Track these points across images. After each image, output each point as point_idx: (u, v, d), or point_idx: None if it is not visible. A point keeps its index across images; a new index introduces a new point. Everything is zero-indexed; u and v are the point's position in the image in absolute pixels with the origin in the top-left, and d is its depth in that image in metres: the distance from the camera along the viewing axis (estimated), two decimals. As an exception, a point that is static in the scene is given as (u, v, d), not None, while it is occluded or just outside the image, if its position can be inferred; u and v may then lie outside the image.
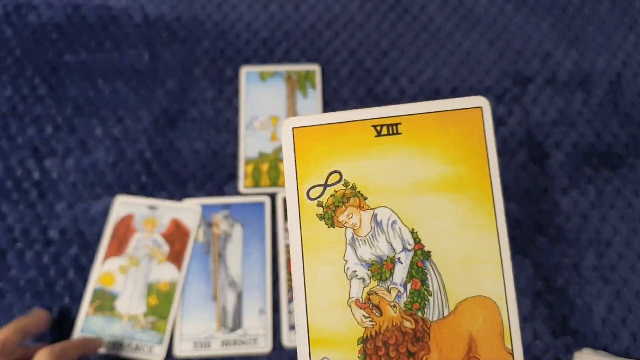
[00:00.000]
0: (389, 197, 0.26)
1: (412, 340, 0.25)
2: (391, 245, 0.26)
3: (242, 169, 0.51)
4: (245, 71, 0.54)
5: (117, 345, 0.45)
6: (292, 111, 0.53)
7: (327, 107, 0.53)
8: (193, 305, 0.47)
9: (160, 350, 0.45)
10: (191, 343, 0.45)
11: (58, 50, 0.55)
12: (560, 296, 0.47)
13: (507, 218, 0.26)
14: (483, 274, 0.25)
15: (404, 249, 0.26)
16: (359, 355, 0.25)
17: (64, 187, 0.50)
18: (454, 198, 0.26)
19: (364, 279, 0.26)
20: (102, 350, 0.45)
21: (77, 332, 0.45)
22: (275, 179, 0.50)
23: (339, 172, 0.27)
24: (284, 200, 0.47)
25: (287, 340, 0.45)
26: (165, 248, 0.48)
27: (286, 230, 0.48)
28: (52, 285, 0.48)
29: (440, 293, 0.26)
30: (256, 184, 0.50)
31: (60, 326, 0.46)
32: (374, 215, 0.26)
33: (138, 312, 0.46)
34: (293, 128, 0.27)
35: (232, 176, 0.51)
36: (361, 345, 0.25)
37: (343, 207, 0.26)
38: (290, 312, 0.46)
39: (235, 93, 0.54)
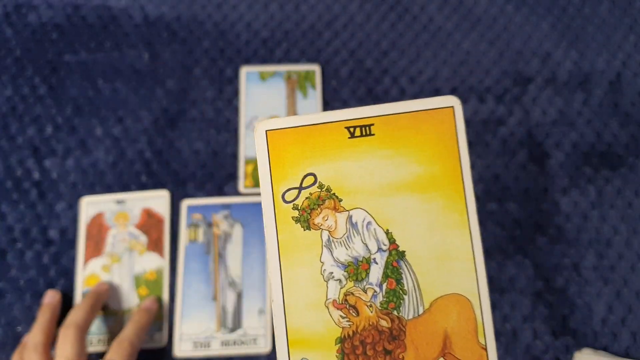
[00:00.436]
0: (363, 198, 0.27)
1: (389, 339, 0.26)
2: (366, 246, 0.27)
3: (242, 169, 0.51)
4: (245, 71, 0.54)
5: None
6: (292, 111, 0.53)
7: (327, 107, 0.53)
8: (193, 305, 0.47)
9: (161, 336, 0.45)
10: (191, 343, 0.46)
11: (58, 50, 0.55)
12: (560, 296, 0.47)
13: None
14: (456, 272, 0.26)
15: (379, 249, 0.27)
16: (337, 354, 0.26)
17: (64, 187, 0.50)
18: (426, 198, 0.27)
19: (340, 280, 0.26)
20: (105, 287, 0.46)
21: None
22: (275, 179, 0.50)
23: (314, 175, 0.27)
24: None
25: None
26: (143, 238, 0.48)
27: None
28: (52, 286, 0.48)
29: (415, 292, 0.26)
30: (256, 184, 0.50)
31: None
32: (350, 217, 0.27)
33: (131, 305, 0.47)
34: (267, 131, 0.27)
35: (232, 176, 0.51)
36: (339, 345, 0.26)
37: (318, 209, 0.27)
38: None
39: (235, 93, 0.54)
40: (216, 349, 0.45)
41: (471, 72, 0.55)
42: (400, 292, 0.26)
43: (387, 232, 0.27)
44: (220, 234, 0.49)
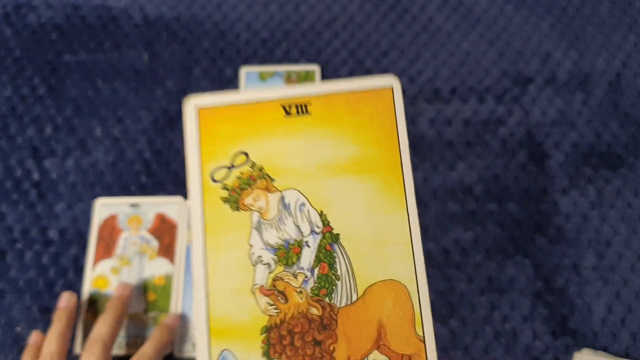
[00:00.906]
0: (297, 179, 0.25)
1: (319, 328, 0.24)
2: (299, 228, 0.25)
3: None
4: (244, 71, 0.54)
5: (121, 345, 0.45)
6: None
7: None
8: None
9: None
10: (191, 343, 0.45)
11: (57, 51, 0.55)
12: (560, 296, 0.47)
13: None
14: (393, 257, 0.25)
15: (312, 232, 0.25)
16: (262, 345, 0.24)
17: (64, 187, 0.50)
18: (363, 179, 0.25)
19: (269, 264, 0.25)
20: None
21: (78, 339, 0.45)
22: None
23: (246, 153, 0.25)
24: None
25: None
26: (155, 243, 0.48)
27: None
28: (52, 286, 0.48)
29: (349, 277, 0.25)
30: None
31: (60, 326, 0.46)
32: (282, 198, 0.25)
33: (138, 310, 0.46)
34: (198, 108, 0.26)
35: (232, 176, 0.51)
36: (265, 334, 0.24)
37: (249, 189, 0.25)
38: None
39: (235, 93, 0.54)
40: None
41: (471, 72, 0.55)
42: (333, 277, 0.25)
43: (321, 214, 0.25)
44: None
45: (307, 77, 0.54)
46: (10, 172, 0.51)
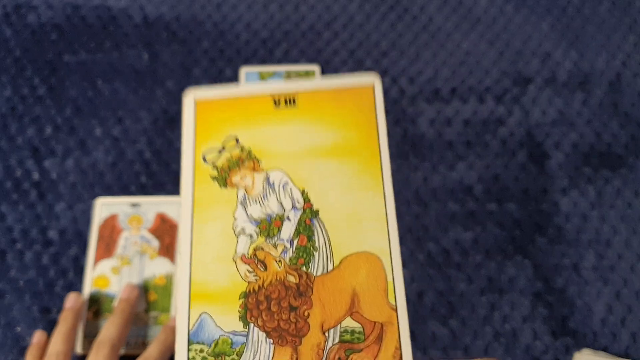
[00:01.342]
0: (282, 160, 0.27)
1: (295, 295, 0.25)
2: (281, 204, 0.27)
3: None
4: (244, 71, 0.54)
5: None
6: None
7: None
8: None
9: None
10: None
11: (57, 51, 0.55)
12: (560, 296, 0.47)
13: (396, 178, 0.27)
14: (368, 231, 0.26)
15: (294, 207, 0.27)
16: (240, 309, 0.25)
17: (64, 187, 0.50)
18: (343, 161, 0.27)
19: (251, 236, 0.26)
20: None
21: (79, 339, 0.45)
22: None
23: (236, 138, 0.28)
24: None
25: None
26: (155, 243, 0.48)
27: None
28: (52, 286, 0.48)
29: (326, 249, 0.26)
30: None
31: (60, 326, 0.46)
32: (267, 177, 0.27)
33: (139, 310, 0.46)
34: (196, 100, 0.28)
35: (232, 176, 0.51)
36: (243, 299, 0.25)
37: (237, 169, 0.27)
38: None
39: (235, 93, 0.54)
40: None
41: (471, 72, 0.55)
42: (311, 248, 0.26)
43: (303, 192, 0.27)
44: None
45: (307, 77, 0.54)
46: (10, 172, 0.51)
